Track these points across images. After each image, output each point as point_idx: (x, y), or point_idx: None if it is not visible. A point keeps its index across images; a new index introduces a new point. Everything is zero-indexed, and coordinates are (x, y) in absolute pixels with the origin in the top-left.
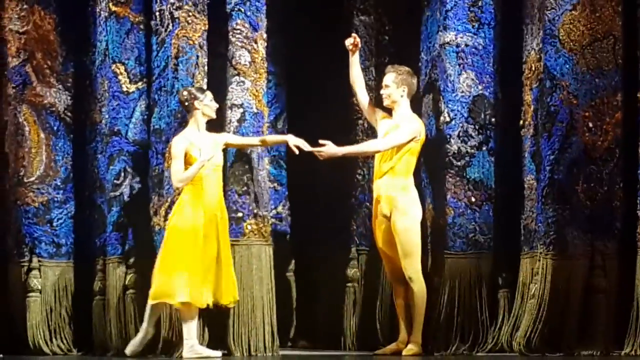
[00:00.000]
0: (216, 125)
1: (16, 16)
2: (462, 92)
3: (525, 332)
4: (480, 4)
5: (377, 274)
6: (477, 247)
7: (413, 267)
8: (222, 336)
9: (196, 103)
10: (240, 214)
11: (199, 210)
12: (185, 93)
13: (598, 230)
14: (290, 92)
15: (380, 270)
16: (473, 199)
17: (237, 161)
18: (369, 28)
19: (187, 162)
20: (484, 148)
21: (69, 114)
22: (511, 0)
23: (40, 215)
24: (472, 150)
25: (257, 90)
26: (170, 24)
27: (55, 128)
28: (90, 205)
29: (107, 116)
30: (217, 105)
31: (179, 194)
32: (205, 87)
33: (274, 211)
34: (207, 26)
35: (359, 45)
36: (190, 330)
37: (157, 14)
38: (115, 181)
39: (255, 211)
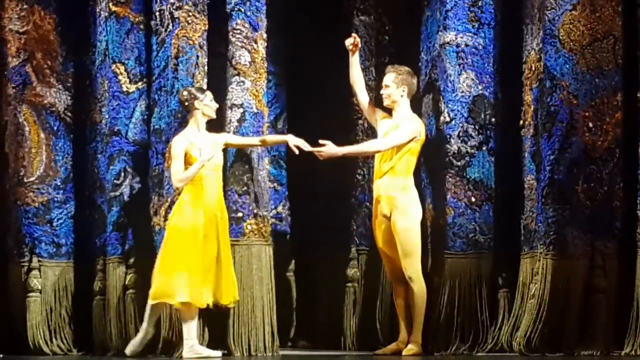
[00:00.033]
0: (216, 125)
1: (16, 16)
2: (462, 92)
3: (525, 332)
4: (480, 4)
5: (377, 274)
6: (477, 247)
7: (413, 267)
8: (222, 336)
9: (196, 103)
10: (240, 214)
11: (198, 210)
12: (185, 93)
13: (598, 230)
14: (290, 92)
15: (380, 270)
16: (473, 199)
17: (237, 161)
18: (369, 28)
19: (187, 162)
20: (484, 148)
21: (69, 114)
22: (511, 0)
23: (40, 215)
24: (472, 150)
25: (257, 90)
26: (170, 24)
27: (55, 128)
28: (90, 205)
29: (107, 116)
30: (217, 105)
31: (178, 194)
32: (205, 87)
33: (274, 211)
34: (207, 26)
35: (359, 45)
36: (190, 330)
37: (157, 14)
38: (115, 181)
39: (255, 211)
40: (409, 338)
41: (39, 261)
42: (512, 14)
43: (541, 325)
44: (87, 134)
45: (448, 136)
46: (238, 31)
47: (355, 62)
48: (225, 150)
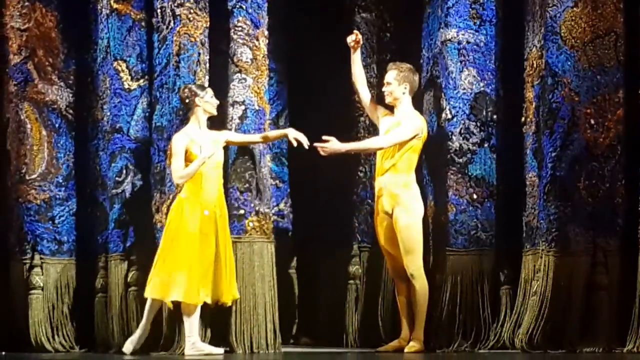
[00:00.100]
0: (217, 122)
1: (18, 13)
2: (464, 89)
3: (527, 329)
4: (481, 1)
5: (379, 271)
6: (479, 244)
7: (415, 264)
8: (224, 333)
9: (197, 100)
10: (242, 211)
11: (197, 207)
12: (185, 90)
13: (600, 227)
14: (292, 90)
15: (382, 267)
16: (475, 196)
17: (239, 158)
18: (371, 25)
19: (188, 159)
20: (486, 145)
21: (70, 111)
22: None
23: (42, 213)
24: (474, 147)
25: (258, 88)
26: (172, 21)
27: (57, 125)
28: (92, 202)
29: (108, 113)
30: (218, 102)
31: (178, 191)
32: (206, 84)
33: (275, 208)
34: (208, 23)
35: (361, 43)
36: (192, 327)
37: (159, 11)
38: (117, 178)
39: (257, 208)
40: (411, 335)
41: (40, 258)
42: (513, 10)
43: (543, 322)
44: (89, 131)
45: (450, 133)
46: (239, 28)
47: (356, 59)
48: (226, 148)
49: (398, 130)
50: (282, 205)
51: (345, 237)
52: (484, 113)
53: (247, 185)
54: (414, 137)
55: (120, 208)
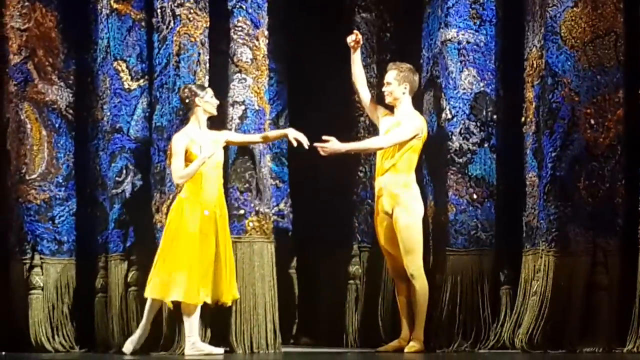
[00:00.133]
0: (217, 122)
1: (18, 13)
2: (464, 89)
3: (527, 329)
4: (481, 1)
5: (379, 271)
6: (479, 244)
7: (415, 264)
8: (224, 333)
9: (197, 100)
10: (242, 211)
11: (197, 207)
12: (185, 90)
13: (600, 227)
14: (292, 90)
15: (382, 267)
16: (475, 196)
17: (239, 158)
18: (371, 25)
19: (188, 159)
20: (486, 145)
21: (70, 111)
22: None
23: (42, 213)
24: (474, 147)
25: (258, 88)
26: (172, 21)
27: (57, 125)
28: (92, 202)
29: (108, 113)
30: (218, 102)
31: (179, 191)
32: (206, 84)
33: (275, 208)
34: (208, 23)
35: (361, 43)
36: (192, 326)
37: (159, 11)
38: (117, 178)
39: (257, 208)
40: (411, 335)
41: (40, 258)
42: (513, 10)
43: (543, 322)
44: (89, 131)
45: (450, 133)
46: (239, 28)
47: (356, 59)
48: (226, 148)
49: (398, 130)
50: (282, 205)
51: (345, 237)
52: (484, 113)
53: (247, 185)
54: (414, 137)
55: (120, 208)
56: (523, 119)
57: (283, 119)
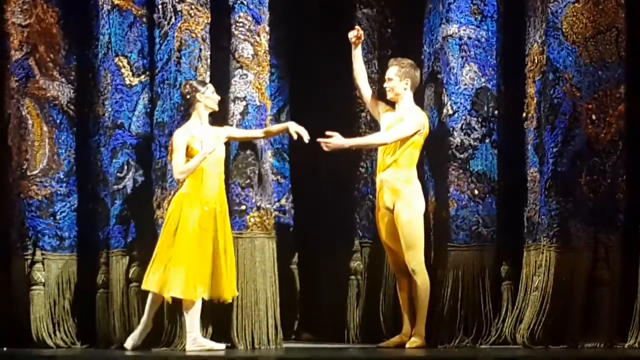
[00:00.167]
0: (219, 118)
1: (19, 9)
2: (465, 84)
3: (528, 324)
4: None
5: (381, 266)
6: (480, 240)
7: (416, 260)
8: (225, 329)
9: (198, 96)
10: (243, 207)
11: (197, 203)
12: (187, 86)
13: (601, 222)
14: (293, 85)
15: (384, 263)
16: (476, 192)
17: (240, 154)
18: (372, 21)
19: (189, 155)
20: (487, 140)
21: (72, 107)
22: None
23: (44, 209)
24: (475, 143)
25: (259, 83)
26: (173, 17)
27: (58, 121)
28: (93, 198)
29: (110, 109)
30: (219, 98)
31: (180, 187)
32: (208, 80)
33: (277, 204)
34: (209, 19)
35: (362, 38)
36: (193, 322)
37: (160, 7)
38: (118, 174)
39: (258, 204)
40: (412, 330)
41: (42, 254)
42: (514, 6)
43: (544, 318)
44: (90, 127)
45: (451, 129)
46: (241, 24)
47: (357, 55)
48: (228, 143)
49: (400, 126)
50: (283, 201)
51: (346, 233)
52: (485, 109)
53: (248, 180)
54: (416, 132)
55: (121, 204)
56: (524, 114)
57: (284, 115)
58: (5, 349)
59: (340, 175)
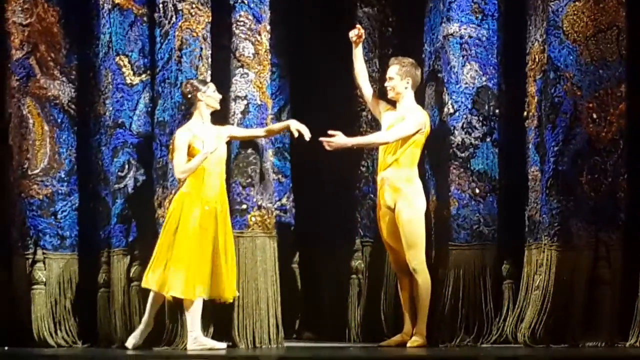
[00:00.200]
0: (220, 117)
1: (20, 8)
2: (466, 83)
3: (529, 323)
4: None
5: (382, 265)
6: (482, 239)
7: (417, 259)
8: (226, 328)
9: (199, 95)
10: (244, 206)
11: (198, 202)
12: (188, 85)
13: (602, 221)
14: (294, 84)
15: (385, 262)
16: (477, 191)
17: (241, 153)
18: (373, 19)
19: (191, 154)
20: (488, 139)
21: (72, 106)
22: None
23: (45, 208)
24: (476, 142)
25: (260, 82)
26: (174, 16)
27: (59, 120)
28: (94, 197)
29: (110, 108)
30: (220, 96)
31: (180, 186)
32: (209, 79)
33: (278, 203)
34: (210, 18)
35: (363, 37)
36: (194, 321)
37: (161, 6)
38: (119, 173)
39: (259, 203)
40: (413, 329)
41: (43, 253)
42: (515, 5)
43: (546, 317)
44: (91, 126)
45: (452, 128)
46: (241, 23)
47: (358, 54)
48: (229, 143)
49: (402, 125)
50: (284, 200)
51: (347, 232)
52: (486, 107)
53: (249, 180)
54: (417, 131)
55: (122, 203)
56: (525, 113)
57: (285, 114)
58: (6, 348)
59: (341, 174)
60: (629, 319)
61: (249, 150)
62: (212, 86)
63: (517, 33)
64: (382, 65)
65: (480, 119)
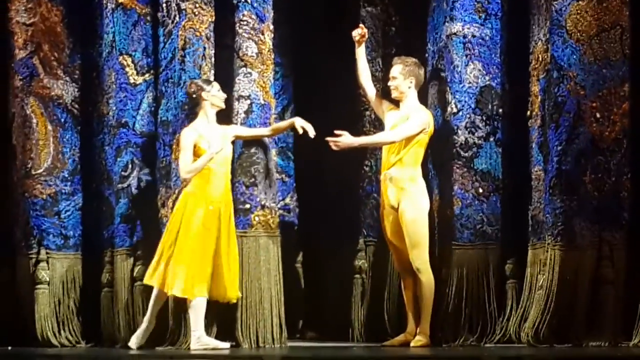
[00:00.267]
0: (223, 117)
1: (23, 8)
2: (469, 83)
3: (533, 323)
4: None
5: (385, 265)
6: (485, 238)
7: (421, 258)
8: (230, 328)
9: (203, 94)
10: (247, 206)
11: (202, 202)
12: (192, 85)
13: (606, 220)
14: (298, 84)
15: (388, 262)
16: (480, 190)
17: (244, 152)
18: (376, 19)
19: (196, 154)
20: (492, 139)
21: (76, 105)
22: None
23: (48, 208)
24: (480, 141)
25: (264, 82)
26: (177, 16)
27: (62, 120)
28: (98, 197)
29: (114, 108)
30: (225, 96)
31: (184, 186)
32: (212, 78)
33: (281, 202)
34: (213, 18)
35: (366, 37)
36: (198, 321)
37: (164, 5)
38: (122, 173)
39: (263, 202)
40: (417, 329)
41: (47, 253)
42: (518, 4)
43: (549, 316)
44: (95, 125)
45: (455, 127)
46: (245, 22)
47: (361, 53)
48: (233, 142)
49: (407, 124)
50: (288, 200)
51: (351, 232)
52: (490, 107)
53: (252, 179)
54: (421, 131)
55: (126, 203)
56: (529, 112)
57: (289, 113)
58: (10, 347)
59: (344, 173)
60: (633, 319)
61: (253, 150)
62: (216, 85)
63: (520, 32)
64: (386, 65)
65: (484, 118)
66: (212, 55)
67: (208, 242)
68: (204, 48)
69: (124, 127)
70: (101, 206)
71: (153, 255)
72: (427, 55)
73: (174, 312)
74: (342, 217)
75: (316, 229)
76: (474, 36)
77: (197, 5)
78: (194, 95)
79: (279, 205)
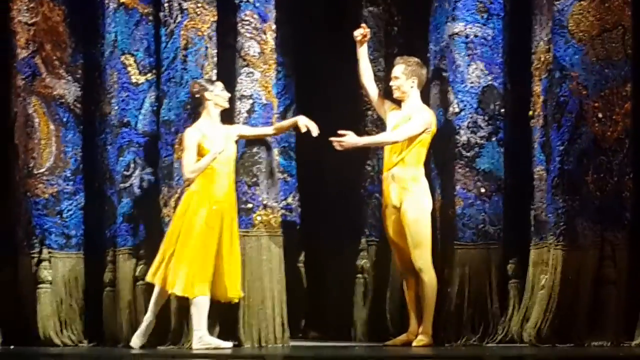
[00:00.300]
0: (225, 116)
1: (25, 7)
2: (472, 82)
3: (535, 322)
4: None
5: (387, 264)
6: (487, 238)
7: (423, 258)
8: (232, 327)
9: (207, 94)
10: (250, 205)
11: (205, 201)
12: (195, 85)
13: (608, 220)
14: (300, 83)
15: (390, 261)
16: (483, 190)
17: (247, 152)
18: (378, 19)
19: (200, 154)
20: (494, 139)
21: (78, 105)
22: None
23: (50, 207)
24: (482, 141)
25: (266, 82)
26: (179, 15)
27: (64, 119)
28: (100, 196)
29: (116, 107)
30: (229, 95)
31: (187, 185)
32: (214, 78)
33: (283, 202)
34: (216, 17)
35: (368, 37)
36: (200, 320)
37: (166, 5)
38: (124, 172)
39: (265, 202)
40: (419, 329)
41: (49, 252)
42: (521, 4)
43: (551, 316)
44: (97, 125)
45: (457, 127)
46: (247, 22)
47: (363, 53)
48: (236, 142)
49: (409, 124)
50: (290, 199)
51: (353, 231)
52: (492, 107)
53: (255, 179)
54: (424, 131)
55: (128, 202)
56: (531, 112)
57: (291, 113)
58: (12, 347)
59: (346, 173)
60: (635, 319)
61: (255, 150)
62: (220, 85)
63: (522, 32)
64: (388, 65)
65: (486, 118)
66: (214, 55)
67: (210, 241)
68: (206, 48)
69: (126, 126)
70: (103, 206)
71: (155, 255)
72: (429, 55)
73: (176, 311)
74: (344, 217)
75: (318, 228)
76: (476, 36)
77: (199, 4)
78: (197, 95)
79: (281, 205)
